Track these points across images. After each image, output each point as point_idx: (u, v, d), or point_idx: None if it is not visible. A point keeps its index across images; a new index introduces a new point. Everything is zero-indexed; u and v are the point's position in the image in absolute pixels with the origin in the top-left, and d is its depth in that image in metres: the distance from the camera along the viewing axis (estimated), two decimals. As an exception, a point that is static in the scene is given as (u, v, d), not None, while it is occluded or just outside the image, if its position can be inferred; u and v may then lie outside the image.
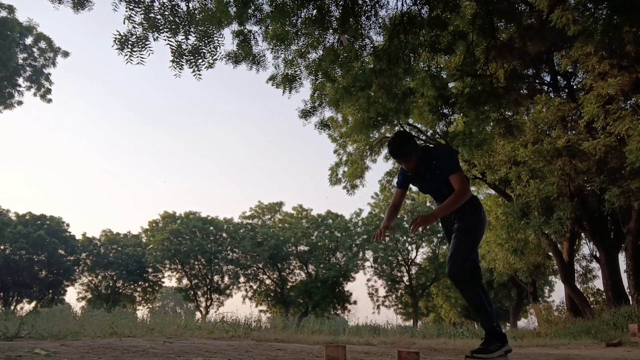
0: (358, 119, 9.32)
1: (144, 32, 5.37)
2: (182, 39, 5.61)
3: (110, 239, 37.38)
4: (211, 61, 5.76)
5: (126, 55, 5.30)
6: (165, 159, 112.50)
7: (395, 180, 3.42)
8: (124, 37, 5.31)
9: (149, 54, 5.37)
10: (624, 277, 13.41)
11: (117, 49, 5.29)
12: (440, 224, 3.46)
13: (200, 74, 5.67)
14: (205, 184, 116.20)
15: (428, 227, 2.82)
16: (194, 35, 5.71)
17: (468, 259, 2.96)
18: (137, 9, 5.29)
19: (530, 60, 10.49)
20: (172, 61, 5.60)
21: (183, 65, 5.66)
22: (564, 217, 12.26)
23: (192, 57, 5.67)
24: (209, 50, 5.76)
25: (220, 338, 4.47)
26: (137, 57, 5.32)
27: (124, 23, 5.26)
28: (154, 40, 5.43)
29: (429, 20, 6.93)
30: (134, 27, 5.33)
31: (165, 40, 5.48)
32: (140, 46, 5.35)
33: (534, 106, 12.93)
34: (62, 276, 34.47)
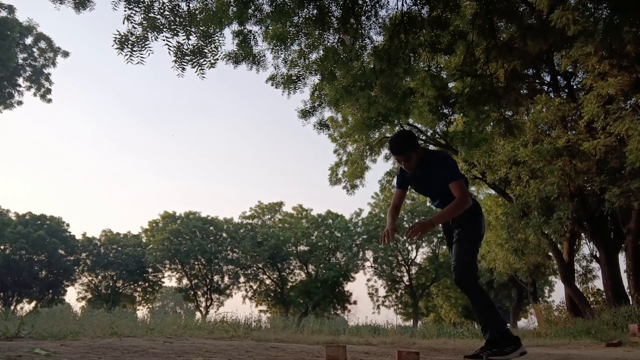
0: (358, 118, 9.32)
1: (144, 32, 5.36)
2: (183, 39, 5.61)
3: (110, 239, 37.37)
4: (212, 61, 5.76)
5: (126, 55, 5.29)
6: (165, 159, 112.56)
7: (395, 180, 3.39)
8: (123, 37, 5.31)
9: (149, 54, 5.37)
10: (624, 277, 13.41)
11: (116, 48, 5.28)
12: (440, 226, 3.45)
13: (204, 74, 5.67)
14: (205, 184, 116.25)
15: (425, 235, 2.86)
16: (195, 35, 5.71)
17: (472, 264, 2.95)
18: (137, 9, 5.29)
19: (530, 60, 10.48)
20: (175, 61, 5.59)
21: (185, 65, 5.66)
22: (564, 217, 12.26)
23: (194, 57, 5.67)
24: (210, 50, 5.75)
25: (220, 338, 4.47)
26: (137, 57, 5.32)
27: (124, 23, 5.26)
28: (154, 40, 5.42)
29: (429, 20, 6.93)
30: (134, 27, 5.33)
31: (164, 40, 5.48)
32: (140, 46, 5.35)
33: (534, 106, 12.93)
34: (62, 276, 34.46)
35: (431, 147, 16.05)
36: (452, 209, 2.93)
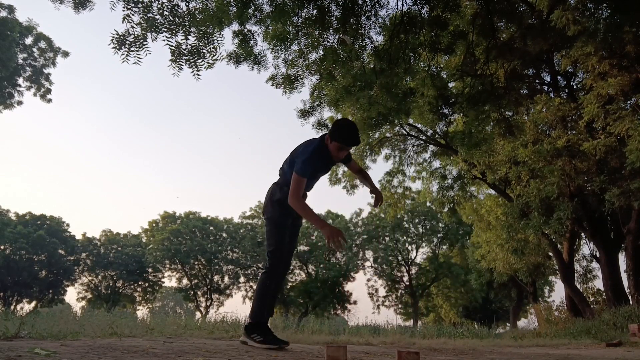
0: (358, 118, 9.31)
1: (143, 32, 5.36)
2: (181, 39, 5.61)
3: (110, 239, 37.37)
4: (211, 61, 5.75)
5: (123, 54, 5.29)
6: (165, 159, 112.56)
7: (308, 171, 3.16)
8: (121, 37, 5.30)
9: (146, 54, 5.37)
10: (624, 277, 13.41)
11: (113, 47, 5.27)
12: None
13: (199, 74, 5.67)
14: (205, 184, 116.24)
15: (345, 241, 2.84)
16: (193, 35, 5.70)
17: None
18: (136, 9, 5.29)
19: (530, 60, 10.48)
20: (171, 60, 5.59)
21: (182, 65, 5.65)
22: (564, 217, 12.25)
23: (191, 57, 5.66)
24: (209, 50, 5.75)
25: (220, 338, 4.46)
26: (134, 57, 5.31)
27: (122, 22, 5.26)
28: (153, 40, 5.42)
29: (429, 20, 6.93)
30: (132, 27, 5.33)
31: (164, 40, 5.48)
32: (137, 46, 5.34)
33: (534, 106, 12.92)
34: (62, 276, 34.45)
35: (431, 146, 16.07)
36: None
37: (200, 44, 5.73)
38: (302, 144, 3.31)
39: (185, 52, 5.65)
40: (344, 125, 3.11)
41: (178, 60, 5.61)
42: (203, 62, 5.69)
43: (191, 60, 5.65)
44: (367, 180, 3.56)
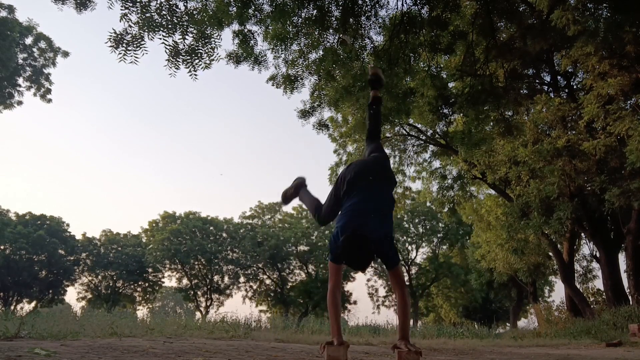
0: (359, 118, 9.31)
1: (140, 31, 5.35)
2: (179, 39, 5.59)
3: (110, 239, 37.36)
4: (208, 62, 5.72)
5: (120, 54, 5.28)
6: (165, 159, 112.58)
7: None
8: (119, 36, 5.29)
9: (143, 54, 5.34)
10: (624, 277, 13.41)
11: (110, 46, 5.26)
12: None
13: (196, 75, 5.64)
14: (205, 184, 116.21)
15: None
16: (191, 35, 5.69)
17: None
18: (134, 8, 5.28)
19: (530, 60, 10.48)
20: (168, 60, 5.57)
21: (179, 65, 5.63)
22: (564, 217, 12.25)
23: (188, 58, 5.65)
24: (206, 50, 5.73)
25: (220, 338, 4.46)
26: (132, 56, 5.30)
27: (120, 21, 5.25)
28: (150, 39, 5.41)
29: (429, 20, 6.93)
30: (130, 26, 5.32)
31: (161, 39, 5.46)
32: (135, 45, 5.33)
33: (534, 106, 12.92)
34: (62, 276, 34.44)
35: (431, 146, 16.07)
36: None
37: (198, 44, 5.71)
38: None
39: (182, 52, 5.63)
40: None
41: (175, 60, 5.59)
42: (200, 63, 5.67)
43: (188, 61, 5.64)
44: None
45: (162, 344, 3.11)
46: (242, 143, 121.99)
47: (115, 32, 5.26)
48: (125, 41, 5.30)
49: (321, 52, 7.16)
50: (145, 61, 5.28)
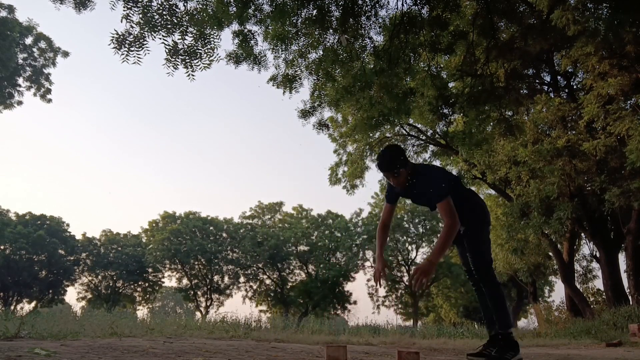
0: (359, 118, 9.32)
1: (142, 31, 5.35)
2: (178, 39, 5.59)
3: (110, 239, 37.37)
4: (207, 62, 5.71)
5: (122, 54, 5.28)
6: (165, 159, 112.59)
7: (385, 194, 3.29)
8: (121, 37, 5.30)
9: (146, 54, 5.34)
10: (624, 277, 13.41)
11: (113, 47, 5.27)
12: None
13: (194, 75, 5.64)
14: (205, 184, 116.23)
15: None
16: (190, 35, 5.69)
17: (483, 253, 2.96)
18: (135, 8, 5.28)
19: (530, 60, 10.48)
20: (167, 59, 5.57)
21: (178, 64, 5.63)
22: (564, 217, 12.25)
23: (187, 58, 5.64)
24: (206, 51, 5.73)
25: (220, 338, 4.47)
26: (134, 56, 5.30)
27: (122, 22, 5.25)
28: (152, 40, 5.41)
29: (429, 20, 6.93)
30: (132, 27, 5.32)
31: (161, 39, 5.46)
32: (137, 46, 5.33)
33: (534, 106, 12.93)
34: (62, 276, 34.45)
35: (431, 146, 16.08)
36: (445, 238, 2.76)
37: (197, 44, 5.71)
38: None
39: (181, 52, 5.62)
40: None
41: (173, 60, 5.59)
42: (199, 63, 5.67)
43: (187, 61, 5.63)
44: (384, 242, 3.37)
45: (162, 344, 3.11)
46: (242, 143, 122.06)
47: (117, 33, 5.26)
48: (127, 42, 5.30)
49: (321, 52, 7.16)
50: (145, 61, 5.27)
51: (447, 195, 2.84)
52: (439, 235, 2.89)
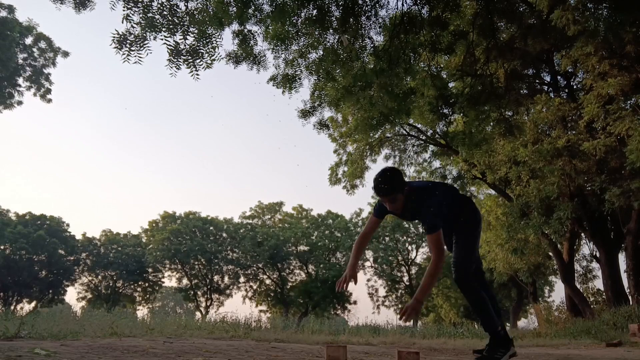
0: (360, 118, 9.32)
1: (142, 31, 5.36)
2: (180, 39, 5.60)
3: (110, 239, 37.36)
4: (209, 62, 5.73)
5: (124, 54, 5.29)
6: (165, 159, 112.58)
7: (374, 208, 3.24)
8: (122, 37, 5.30)
9: (147, 54, 5.36)
10: (624, 277, 13.41)
11: (114, 47, 5.28)
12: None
13: (198, 75, 5.65)
14: (205, 184, 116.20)
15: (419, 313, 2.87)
16: (192, 35, 5.70)
17: (469, 264, 2.95)
18: (136, 8, 5.29)
19: (530, 60, 10.49)
20: (169, 60, 5.57)
21: (180, 65, 5.64)
22: (564, 217, 12.25)
23: (189, 57, 5.65)
24: (207, 50, 5.74)
25: (220, 338, 4.47)
26: (135, 56, 5.31)
27: (123, 22, 5.26)
28: (153, 39, 5.42)
29: (429, 20, 6.93)
30: (132, 27, 5.33)
31: (162, 39, 5.47)
32: (138, 45, 5.34)
33: (534, 106, 12.92)
34: (62, 276, 34.44)
35: (431, 146, 16.08)
36: (430, 277, 2.77)
37: (199, 44, 5.72)
38: None
39: (183, 52, 5.64)
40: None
41: (176, 60, 5.60)
42: (201, 62, 5.68)
43: (189, 61, 5.64)
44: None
45: (162, 344, 3.12)
46: (242, 143, 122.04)
47: (118, 33, 5.26)
48: (128, 42, 5.31)
49: (321, 52, 7.16)
50: (145, 61, 5.28)
51: (438, 229, 2.82)
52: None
